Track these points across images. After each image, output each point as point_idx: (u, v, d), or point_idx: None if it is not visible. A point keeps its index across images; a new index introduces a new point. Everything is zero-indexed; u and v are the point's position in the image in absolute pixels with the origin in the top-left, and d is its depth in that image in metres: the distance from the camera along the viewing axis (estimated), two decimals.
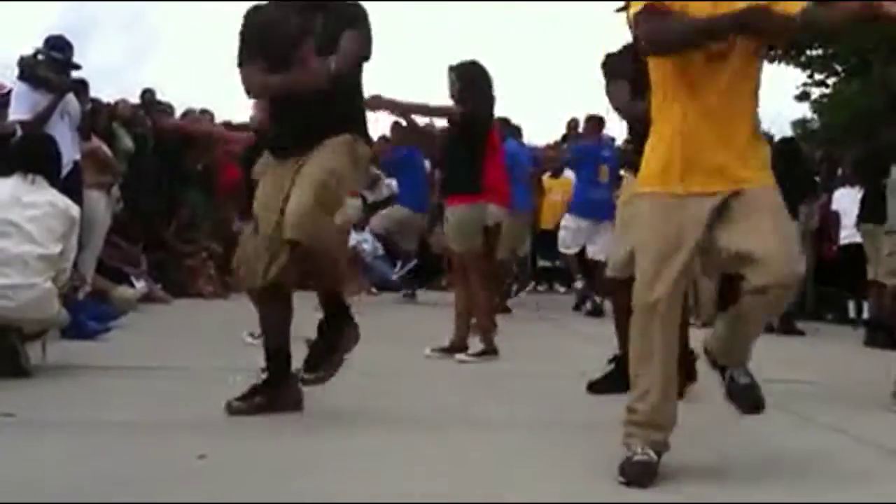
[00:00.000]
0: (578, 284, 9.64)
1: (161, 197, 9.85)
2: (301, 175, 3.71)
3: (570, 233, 9.12)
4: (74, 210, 4.78)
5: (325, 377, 3.85)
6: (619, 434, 3.12)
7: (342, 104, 3.81)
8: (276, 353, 3.96)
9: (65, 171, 6.62)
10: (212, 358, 5.33)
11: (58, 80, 6.73)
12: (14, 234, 4.52)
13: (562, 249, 9.33)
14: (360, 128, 3.96)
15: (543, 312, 8.89)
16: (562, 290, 12.08)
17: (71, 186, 6.69)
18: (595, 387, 4.60)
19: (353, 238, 10.04)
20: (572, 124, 14.61)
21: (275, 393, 3.91)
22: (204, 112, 11.38)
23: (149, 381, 4.65)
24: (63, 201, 4.75)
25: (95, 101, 8.55)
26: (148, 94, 11.83)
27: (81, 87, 6.91)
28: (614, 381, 4.38)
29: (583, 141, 10.13)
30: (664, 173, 3.10)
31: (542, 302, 10.29)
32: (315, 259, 3.71)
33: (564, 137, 14.46)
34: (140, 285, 8.17)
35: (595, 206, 8.84)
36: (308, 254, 3.65)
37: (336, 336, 3.84)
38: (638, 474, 3.00)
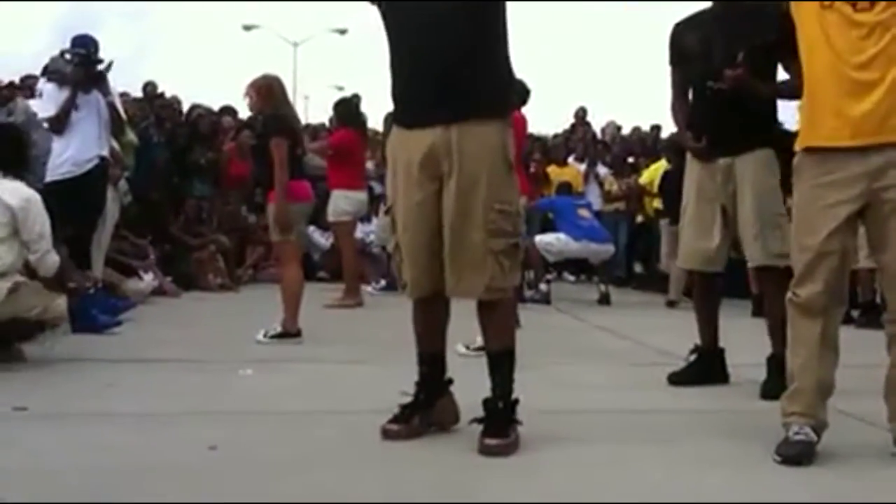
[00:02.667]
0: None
1: (168, 190, 9.87)
2: None
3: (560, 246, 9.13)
4: (13, 199, 4.68)
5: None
6: None
7: None
8: (432, 359, 3.54)
9: (89, 165, 6.73)
10: (223, 351, 5.34)
11: (73, 73, 6.74)
12: None
13: (549, 258, 9.26)
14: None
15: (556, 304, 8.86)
16: (571, 278, 12.08)
17: (95, 180, 6.79)
18: (675, 378, 4.58)
19: (360, 230, 10.05)
20: (579, 114, 14.63)
21: (431, 407, 3.46)
22: (227, 110, 11.33)
23: (160, 374, 4.65)
24: (5, 192, 4.70)
25: None
26: (150, 87, 11.89)
27: (98, 78, 6.91)
28: (696, 373, 4.55)
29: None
30: None
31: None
32: None
33: (573, 127, 14.47)
34: (149, 278, 8.18)
35: (587, 231, 9.08)
36: None
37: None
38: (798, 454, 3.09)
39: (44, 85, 6.90)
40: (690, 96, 4.60)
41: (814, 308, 3.21)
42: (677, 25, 4.62)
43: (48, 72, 6.97)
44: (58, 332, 4.74)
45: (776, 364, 4.13)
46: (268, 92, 6.03)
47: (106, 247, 7.53)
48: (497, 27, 3.34)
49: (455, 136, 3.23)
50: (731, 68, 4.19)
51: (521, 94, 6.03)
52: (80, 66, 6.78)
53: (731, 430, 3.65)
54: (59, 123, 6.65)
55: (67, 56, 6.89)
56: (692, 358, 4.69)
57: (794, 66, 4.26)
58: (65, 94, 6.71)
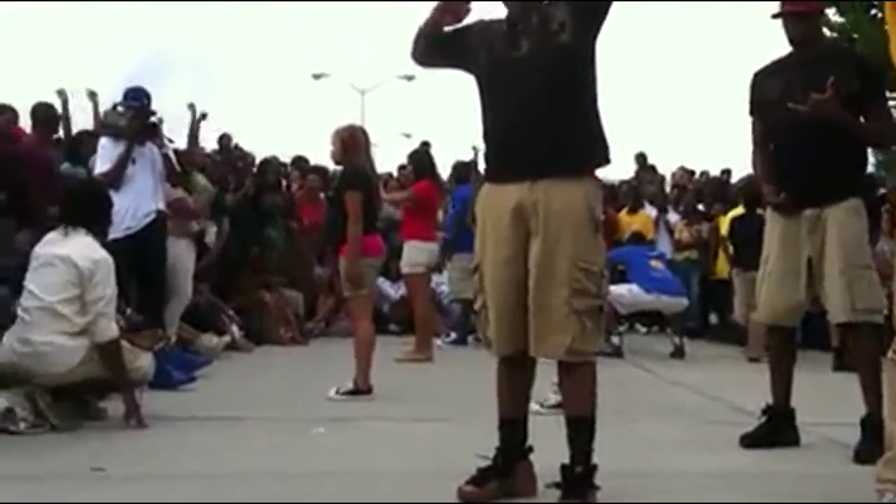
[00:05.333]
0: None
1: (240, 239, 9.88)
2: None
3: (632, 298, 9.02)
4: (81, 259, 4.62)
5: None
6: None
7: None
8: (513, 424, 3.47)
9: (146, 220, 6.77)
10: (296, 408, 5.35)
11: (128, 125, 6.85)
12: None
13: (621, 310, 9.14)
14: None
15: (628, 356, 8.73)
16: (643, 330, 11.91)
17: (153, 235, 6.85)
18: (748, 440, 4.45)
19: (434, 280, 10.04)
20: (640, 160, 14.57)
21: (510, 472, 3.40)
22: (317, 169, 11.41)
23: (233, 432, 4.67)
24: (76, 250, 4.67)
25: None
26: (225, 140, 12.11)
27: (152, 130, 7.02)
28: (767, 433, 4.44)
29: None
30: None
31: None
32: None
33: (637, 173, 14.39)
34: (236, 330, 8.29)
35: (659, 283, 8.97)
36: None
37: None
38: None
39: (102, 139, 7.00)
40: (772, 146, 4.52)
41: None
42: (757, 74, 4.57)
43: (103, 126, 7.10)
44: (136, 391, 4.78)
45: (871, 426, 4.00)
46: (351, 142, 6.07)
47: (185, 302, 7.62)
48: (586, 81, 3.37)
49: (542, 193, 3.25)
50: (817, 93, 4.10)
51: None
52: (135, 119, 6.88)
53: (821, 494, 3.54)
54: (116, 178, 6.64)
55: (121, 109, 7.02)
56: (763, 418, 4.54)
57: (879, 111, 4.21)
58: (120, 148, 6.82)
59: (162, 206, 7.06)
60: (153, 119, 7.04)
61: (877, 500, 3.08)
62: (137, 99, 7.02)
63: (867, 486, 3.21)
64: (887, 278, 4.31)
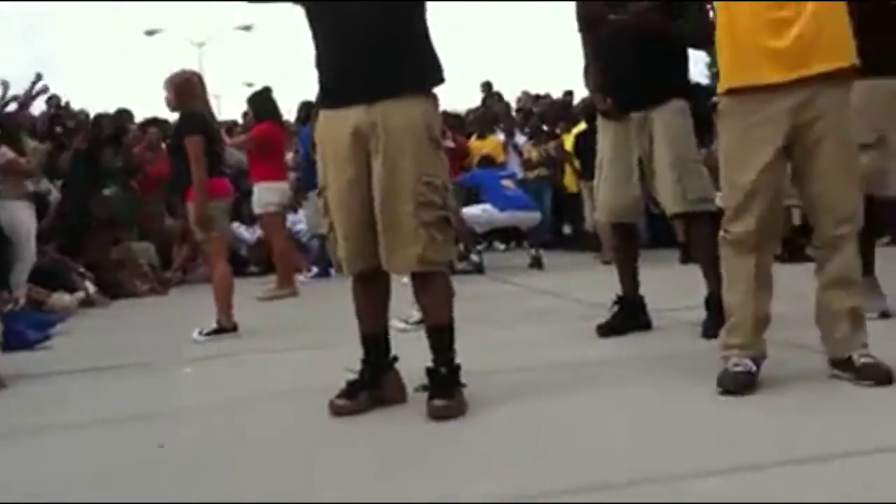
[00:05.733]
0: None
1: (77, 199, 9.61)
2: None
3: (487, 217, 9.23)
4: None
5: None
6: None
7: None
8: (375, 339, 3.52)
9: None
10: (160, 353, 5.26)
11: None
12: None
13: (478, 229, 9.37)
14: None
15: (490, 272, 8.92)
16: (501, 247, 12.17)
17: None
18: (604, 329, 4.65)
19: (290, 219, 9.98)
20: (485, 88, 14.80)
21: (378, 383, 3.47)
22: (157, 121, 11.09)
23: (98, 382, 4.58)
24: None
25: None
26: (53, 100, 11.68)
27: None
28: (620, 322, 4.65)
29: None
30: None
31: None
32: None
33: (484, 101, 14.59)
34: (89, 286, 8.06)
35: (512, 201, 9.23)
36: None
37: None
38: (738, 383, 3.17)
39: None
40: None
41: (747, 244, 3.29)
42: None
43: None
44: None
45: (714, 303, 4.23)
46: (186, 87, 5.93)
47: (30, 263, 7.38)
48: (415, 4, 3.37)
49: (379, 114, 3.27)
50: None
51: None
52: None
53: (676, 370, 3.72)
54: None
55: None
56: (615, 308, 4.76)
57: (696, 14, 4.37)
58: None
59: None
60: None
61: (721, 366, 3.28)
62: None
63: (713, 358, 3.41)
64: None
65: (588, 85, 4.80)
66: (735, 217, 3.31)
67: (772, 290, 3.37)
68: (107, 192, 9.90)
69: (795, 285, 3.89)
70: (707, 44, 4.30)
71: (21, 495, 2.70)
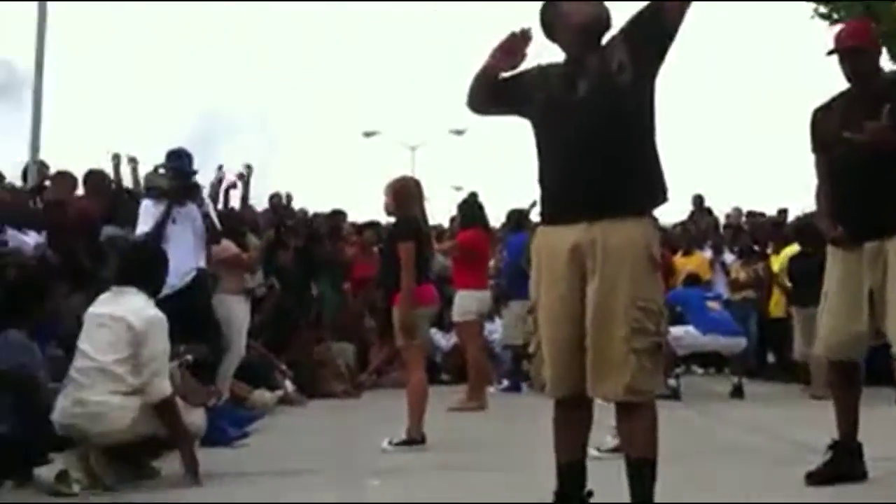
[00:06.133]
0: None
1: (297, 297, 9.90)
2: None
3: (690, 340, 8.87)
4: (135, 319, 4.62)
5: None
6: None
7: None
8: (571, 470, 3.36)
9: (188, 277, 6.79)
10: (348, 461, 5.29)
11: (168, 186, 6.93)
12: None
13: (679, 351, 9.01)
14: None
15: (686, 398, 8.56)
16: (700, 371, 11.71)
17: (195, 292, 6.89)
18: (814, 478, 4.31)
19: (486, 328, 9.97)
20: (697, 201, 14.45)
21: None
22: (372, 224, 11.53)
23: (289, 488, 4.61)
24: (129, 310, 4.67)
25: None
26: (276, 199, 12.25)
27: (193, 190, 7.10)
28: (834, 470, 4.31)
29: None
30: None
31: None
32: None
33: (692, 215, 14.27)
34: (288, 384, 8.27)
35: (717, 324, 8.89)
36: None
37: None
38: None
39: (144, 201, 7.08)
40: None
41: None
42: (816, 111, 4.53)
43: (145, 187, 7.18)
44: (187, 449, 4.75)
45: None
46: (403, 193, 6.09)
47: (239, 358, 7.64)
48: (645, 121, 3.33)
49: (599, 233, 3.20)
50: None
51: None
52: (175, 179, 6.96)
53: None
54: (156, 237, 6.69)
55: (162, 170, 7.11)
56: (829, 455, 4.40)
57: None
58: (161, 208, 6.89)
59: (202, 263, 7.11)
60: (193, 179, 7.14)
61: None
62: (178, 159, 7.13)
63: None
64: None
65: (819, 206, 4.58)
66: None
67: None
68: (315, 290, 10.20)
69: None
70: None
71: None
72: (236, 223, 8.38)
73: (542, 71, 3.41)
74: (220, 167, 9.02)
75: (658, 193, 3.34)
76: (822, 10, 15.31)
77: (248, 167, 9.13)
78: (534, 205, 3.44)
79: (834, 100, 4.49)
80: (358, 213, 13.73)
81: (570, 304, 3.24)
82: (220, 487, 4.59)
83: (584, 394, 3.24)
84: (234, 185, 9.32)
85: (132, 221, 7.14)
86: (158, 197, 6.95)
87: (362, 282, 10.80)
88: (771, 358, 11.56)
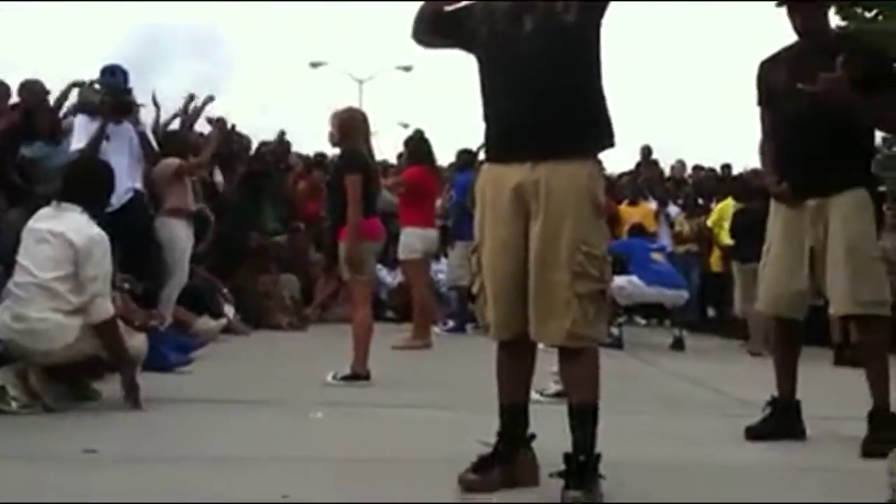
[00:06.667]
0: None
1: (241, 227, 9.85)
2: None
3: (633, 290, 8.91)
4: (76, 237, 4.49)
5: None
6: None
7: None
8: (514, 411, 3.37)
9: (124, 198, 6.62)
10: (293, 392, 5.26)
11: (103, 102, 6.72)
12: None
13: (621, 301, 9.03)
14: None
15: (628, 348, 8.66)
16: (642, 322, 11.86)
17: (131, 214, 6.74)
18: (753, 432, 4.36)
19: (432, 268, 9.96)
20: (645, 152, 14.50)
21: (511, 460, 3.30)
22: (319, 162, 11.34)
23: (231, 415, 4.60)
24: (71, 228, 4.54)
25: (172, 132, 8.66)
26: (220, 122, 11.99)
27: (128, 108, 6.91)
28: (773, 426, 4.35)
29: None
30: None
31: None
32: None
33: (638, 165, 14.33)
34: (229, 310, 8.20)
35: (661, 276, 8.92)
36: None
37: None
38: None
39: (78, 117, 6.88)
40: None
41: None
42: (763, 63, 4.47)
43: (78, 103, 6.97)
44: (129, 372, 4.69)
45: (878, 420, 3.94)
46: (350, 125, 6.01)
47: (181, 284, 7.54)
48: (591, 62, 3.28)
49: (543, 174, 3.16)
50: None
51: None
52: (110, 95, 6.76)
53: (829, 489, 3.45)
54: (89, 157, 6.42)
55: (97, 86, 6.90)
56: (768, 410, 4.46)
57: (888, 99, 4.09)
58: (95, 125, 6.69)
59: (139, 185, 6.95)
60: (129, 97, 6.94)
61: (890, 495, 3.00)
62: (114, 76, 6.91)
63: (875, 481, 3.14)
64: (890, 273, 4.26)
65: (762, 160, 4.55)
66: None
67: None
68: (270, 228, 10.09)
69: None
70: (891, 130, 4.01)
71: None
72: (179, 145, 8.16)
73: (487, 6, 3.35)
74: (191, 95, 8.88)
75: (604, 136, 3.31)
76: None
77: (191, 96, 8.94)
78: (482, 148, 3.40)
79: (781, 53, 4.45)
80: (303, 145, 13.60)
81: (514, 247, 3.22)
82: (159, 412, 4.54)
83: (527, 337, 3.23)
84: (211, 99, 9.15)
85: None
86: (92, 113, 6.75)
87: (311, 220, 10.71)
88: (711, 312, 11.74)
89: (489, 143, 3.39)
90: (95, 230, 4.63)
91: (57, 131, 7.06)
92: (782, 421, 4.38)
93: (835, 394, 5.53)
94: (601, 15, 3.27)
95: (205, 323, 7.63)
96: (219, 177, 9.54)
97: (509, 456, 3.31)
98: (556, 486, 3.09)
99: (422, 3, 3.41)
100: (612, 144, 3.32)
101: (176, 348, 6.05)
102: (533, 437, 3.37)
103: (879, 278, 4.18)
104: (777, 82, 4.33)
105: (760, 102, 4.48)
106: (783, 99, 4.28)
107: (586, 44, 3.26)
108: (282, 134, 12.41)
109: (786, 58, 4.38)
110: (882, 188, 9.76)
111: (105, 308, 4.55)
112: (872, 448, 3.85)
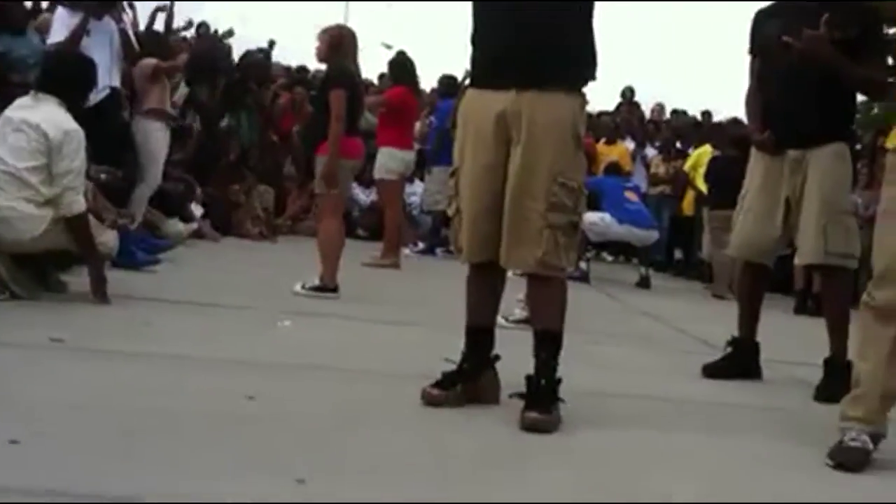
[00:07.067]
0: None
1: (215, 133, 9.77)
2: None
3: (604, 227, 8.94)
4: (51, 129, 4.43)
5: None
6: None
7: None
8: (480, 332, 3.40)
9: (101, 95, 6.47)
10: (260, 299, 5.29)
11: None
12: None
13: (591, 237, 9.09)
14: None
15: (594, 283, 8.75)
16: (609, 258, 11.96)
17: (108, 112, 6.63)
18: (710, 370, 4.44)
19: (406, 190, 9.95)
20: (627, 94, 14.47)
21: (474, 379, 3.36)
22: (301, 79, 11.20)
23: (197, 317, 4.62)
24: (46, 119, 4.47)
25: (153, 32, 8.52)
26: (203, 29, 11.77)
27: (110, 3, 6.74)
28: (731, 366, 4.43)
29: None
30: None
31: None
32: None
33: (619, 106, 14.32)
34: (199, 212, 8.16)
35: (632, 215, 8.94)
36: None
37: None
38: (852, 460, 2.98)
39: (57, 10, 6.73)
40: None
41: (891, 313, 3.04)
42: (759, 13, 4.48)
43: None
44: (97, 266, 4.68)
45: (834, 366, 4.02)
46: (339, 41, 5.94)
47: (154, 186, 7.49)
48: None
49: (526, 103, 3.17)
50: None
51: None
52: None
53: (782, 429, 3.54)
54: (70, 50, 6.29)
55: None
56: (728, 350, 4.56)
57: (872, 63, 4.11)
58: (76, 19, 6.55)
59: (117, 83, 6.83)
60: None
61: (839, 437, 3.09)
62: None
63: (827, 423, 3.23)
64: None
65: (747, 108, 4.57)
66: (882, 282, 3.06)
67: None
68: (245, 139, 10.00)
69: None
70: (882, 94, 4.04)
71: (80, 419, 2.67)
72: (159, 47, 8.02)
73: None
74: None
75: (589, 70, 3.31)
76: None
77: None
78: (468, 75, 3.39)
79: (777, 4, 4.45)
80: (286, 58, 13.41)
81: (493, 173, 3.23)
82: (125, 308, 4.55)
83: (497, 262, 3.26)
84: (162, 9, 8.93)
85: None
86: (73, 6, 6.60)
87: (287, 135, 10.62)
88: (678, 254, 11.86)
89: (475, 67, 3.37)
90: (72, 125, 4.56)
91: (23, 24, 6.90)
92: (741, 360, 4.47)
93: (793, 340, 5.64)
94: None
95: (174, 225, 7.60)
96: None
97: (473, 374, 3.37)
98: (516, 406, 3.15)
99: None
100: (593, 77, 3.32)
101: (144, 249, 6.03)
102: (497, 357, 3.42)
103: (850, 231, 4.23)
104: (770, 34, 4.33)
105: (752, 52, 4.49)
106: (774, 51, 4.29)
107: None
108: (271, 44, 12.21)
109: (782, 11, 4.38)
110: (858, 146, 9.92)
111: (77, 202, 4.52)
112: (826, 393, 3.95)
